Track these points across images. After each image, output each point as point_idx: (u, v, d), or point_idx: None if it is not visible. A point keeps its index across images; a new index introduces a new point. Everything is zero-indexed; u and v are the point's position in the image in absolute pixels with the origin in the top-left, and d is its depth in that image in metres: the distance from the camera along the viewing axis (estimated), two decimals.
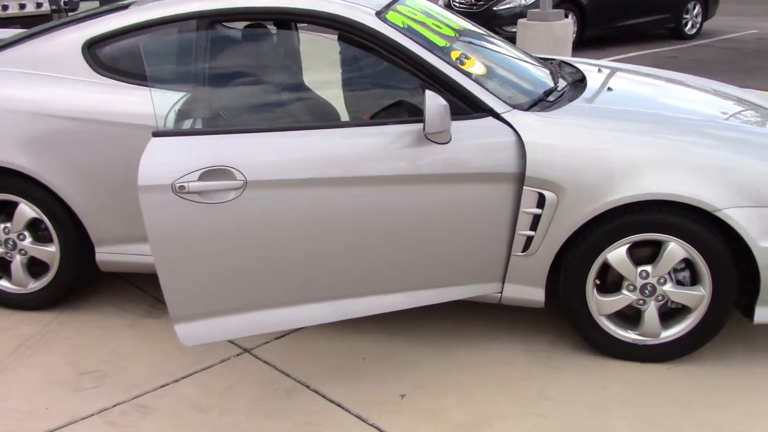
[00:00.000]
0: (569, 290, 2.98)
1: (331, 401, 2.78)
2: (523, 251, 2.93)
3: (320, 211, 2.62)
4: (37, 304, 3.39)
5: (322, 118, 3.15)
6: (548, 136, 2.84)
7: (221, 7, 3.03)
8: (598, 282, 2.97)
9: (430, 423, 2.65)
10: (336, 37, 3.11)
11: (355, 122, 2.74)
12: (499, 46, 3.63)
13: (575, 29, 10.66)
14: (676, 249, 2.84)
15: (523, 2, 10.60)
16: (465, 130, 2.82)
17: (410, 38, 2.95)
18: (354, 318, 3.30)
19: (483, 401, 2.77)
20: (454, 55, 3.06)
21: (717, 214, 2.77)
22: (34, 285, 3.37)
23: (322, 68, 3.16)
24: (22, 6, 7.94)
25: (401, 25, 3.04)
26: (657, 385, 2.87)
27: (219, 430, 2.61)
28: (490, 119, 2.86)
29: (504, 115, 2.87)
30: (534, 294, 3.01)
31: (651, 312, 2.95)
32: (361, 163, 2.65)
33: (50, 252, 3.29)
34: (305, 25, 3.16)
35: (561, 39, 8.82)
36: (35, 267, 3.38)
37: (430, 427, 2.63)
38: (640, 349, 3.01)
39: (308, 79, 3.11)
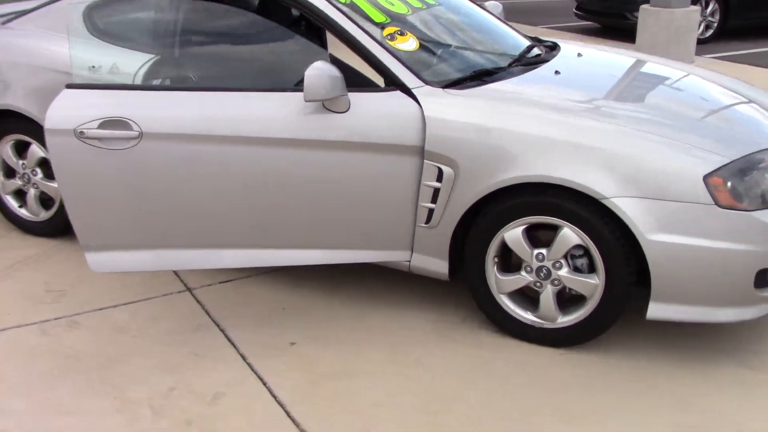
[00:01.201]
0: (471, 266, 3.06)
1: (228, 339, 3.07)
2: (426, 223, 3.05)
3: (219, 166, 2.90)
4: (45, 232, 3.97)
5: (251, 81, 3.34)
6: (451, 112, 2.93)
7: None
8: (497, 260, 3.02)
9: (300, 369, 2.87)
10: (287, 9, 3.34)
11: (261, 87, 2.97)
12: (475, 25, 3.70)
13: (718, 18, 10.01)
14: (569, 234, 2.84)
15: None
16: (370, 101, 2.97)
17: (342, 12, 3.13)
18: (293, 270, 3.57)
19: (362, 358, 2.95)
20: (388, 30, 3.20)
21: (604, 202, 2.74)
22: (44, 215, 3.94)
23: (262, 36, 3.40)
24: None
25: (343, 1, 3.23)
26: (540, 367, 2.89)
27: (122, 348, 3.00)
28: (398, 93, 2.99)
29: (414, 91, 2.99)
30: (438, 266, 3.12)
31: (547, 295, 2.97)
32: (261, 125, 2.89)
33: (53, 187, 3.83)
34: None
35: (683, 28, 8.40)
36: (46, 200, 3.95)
37: (298, 373, 2.85)
38: (536, 331, 3.03)
39: (250, 46, 3.37)
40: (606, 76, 3.48)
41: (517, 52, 3.62)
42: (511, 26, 4.15)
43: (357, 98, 2.97)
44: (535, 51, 3.74)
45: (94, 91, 2.81)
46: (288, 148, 2.93)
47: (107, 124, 2.78)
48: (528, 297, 3.07)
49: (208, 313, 3.27)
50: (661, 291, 2.79)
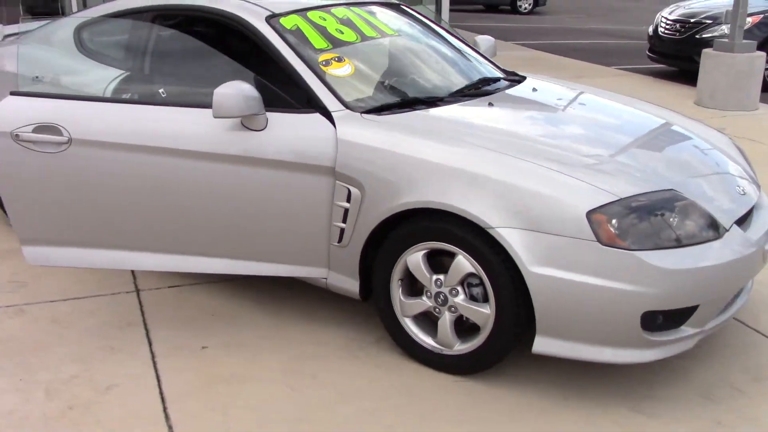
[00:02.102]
0: (378, 287, 3.13)
1: (148, 338, 3.26)
2: (338, 242, 3.14)
3: (141, 174, 3.11)
4: None
5: (186, 97, 3.49)
6: (361, 136, 3.04)
7: (145, 5, 3.65)
8: (401, 283, 3.08)
9: (197, 370, 3.02)
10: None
11: (183, 102, 3.16)
12: (433, 55, 3.80)
13: None
14: (462, 262, 2.88)
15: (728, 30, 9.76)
16: (288, 121, 3.11)
17: (280, 37, 3.30)
18: (239, 281, 3.73)
19: (259, 365, 3.06)
20: (325, 57, 3.35)
21: (490, 231, 2.76)
22: None
23: (214, 57, 3.59)
24: None
25: (289, 27, 3.41)
26: (426, 391, 2.92)
27: (50, 337, 3.23)
28: (316, 115, 3.12)
29: (333, 114, 3.12)
30: (351, 285, 3.20)
31: (444, 322, 3.00)
32: (181, 138, 3.09)
33: None
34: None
35: (744, 73, 8.11)
36: None
37: (193, 373, 3.00)
38: (435, 356, 3.06)
39: (202, 65, 3.58)
40: (537, 109, 3.50)
41: (467, 83, 3.68)
42: (488, 59, 4.21)
43: (276, 118, 3.12)
44: (493, 83, 3.78)
45: (33, 99, 3.09)
46: (206, 162, 3.10)
47: (41, 128, 3.05)
48: (433, 322, 3.11)
49: (142, 314, 3.47)
50: (545, 325, 2.78)
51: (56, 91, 3.18)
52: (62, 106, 3.08)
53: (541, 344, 2.82)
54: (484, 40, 4.44)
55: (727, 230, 2.87)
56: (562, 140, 3.09)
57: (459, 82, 3.70)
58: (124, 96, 3.46)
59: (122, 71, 3.65)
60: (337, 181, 3.06)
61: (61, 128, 3.04)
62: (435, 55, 3.84)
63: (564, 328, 2.76)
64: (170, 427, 2.67)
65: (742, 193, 3.11)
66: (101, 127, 3.06)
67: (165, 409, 2.77)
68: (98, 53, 3.78)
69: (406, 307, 3.08)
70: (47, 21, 4.35)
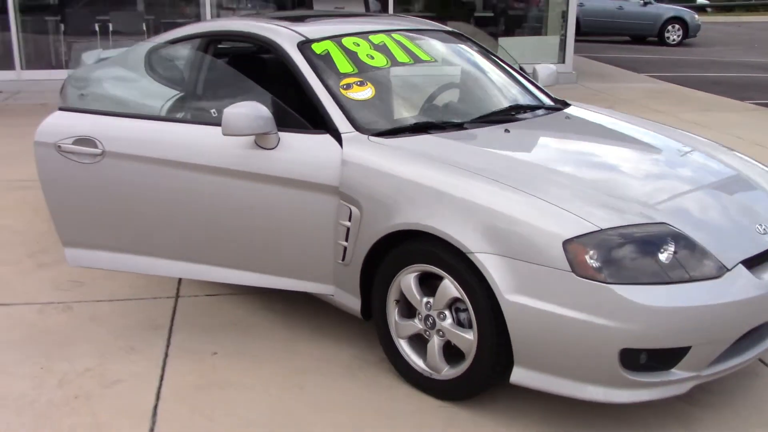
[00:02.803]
0: (375, 307, 3.17)
1: (167, 341, 3.46)
2: (342, 260, 3.22)
3: (165, 186, 3.33)
4: None
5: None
6: (364, 158, 3.11)
7: (199, 31, 3.92)
8: (397, 303, 3.10)
9: (198, 374, 3.17)
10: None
11: (207, 120, 3.35)
12: (468, 81, 3.82)
13: None
14: (448, 286, 2.87)
15: None
16: (298, 141, 3.24)
17: (307, 61, 3.45)
18: (272, 294, 3.88)
19: (255, 375, 3.17)
20: (347, 81, 3.45)
21: (470, 256, 2.75)
22: None
23: (247, 78, 3.76)
24: None
25: (319, 52, 3.55)
26: (408, 413, 2.92)
27: (83, 332, 3.51)
28: (326, 136, 3.23)
29: (343, 135, 3.21)
30: (353, 303, 3.26)
31: (433, 345, 2.99)
32: (199, 154, 3.28)
33: None
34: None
35: None
36: None
37: (194, 377, 3.15)
38: (426, 380, 3.05)
39: (233, 85, 3.77)
40: (552, 138, 3.44)
41: (495, 109, 3.67)
42: (539, 88, 4.17)
43: (288, 138, 3.25)
44: (529, 110, 3.74)
45: (75, 114, 3.40)
46: (221, 177, 3.27)
47: (79, 141, 3.35)
48: (426, 345, 3.10)
49: (172, 318, 3.69)
50: (522, 355, 2.72)
51: (100, 107, 3.48)
52: (98, 121, 3.36)
53: (519, 375, 2.75)
54: (544, 69, 4.40)
55: (728, 269, 2.68)
56: (563, 168, 3.01)
57: (487, 108, 3.69)
58: (167, 114, 3.72)
59: (175, 91, 3.93)
60: (341, 201, 3.15)
61: (96, 141, 3.33)
62: (470, 82, 3.85)
63: (541, 360, 2.69)
64: (153, 426, 2.83)
65: (764, 231, 2.89)
66: (131, 141, 3.32)
67: (156, 407, 2.94)
68: (159, 75, 4.08)
69: (400, 329, 3.10)
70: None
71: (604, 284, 2.54)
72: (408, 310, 3.09)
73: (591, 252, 2.58)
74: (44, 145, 3.37)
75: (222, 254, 3.39)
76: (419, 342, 3.09)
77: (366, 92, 3.44)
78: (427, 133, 3.28)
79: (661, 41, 19.69)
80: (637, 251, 2.61)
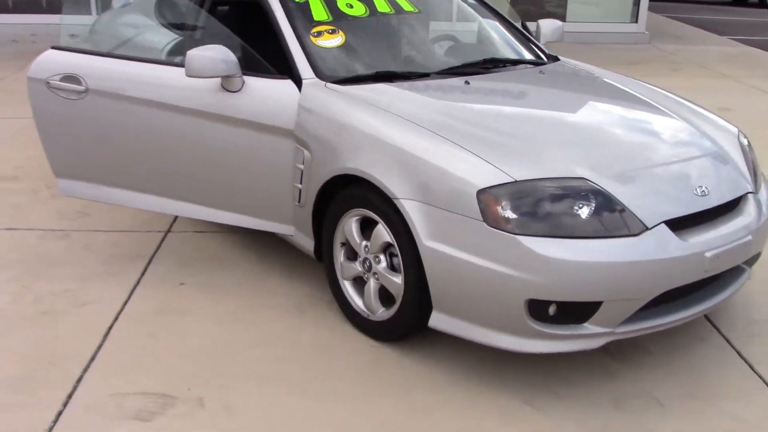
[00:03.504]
0: (325, 248, 3.29)
1: (144, 270, 3.70)
2: (298, 201, 3.36)
3: (139, 123, 3.52)
4: None
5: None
6: (317, 103, 3.22)
7: None
8: (343, 246, 3.22)
9: (159, 300, 3.39)
10: None
11: (178, 63, 3.50)
12: (445, 34, 3.84)
13: None
14: (381, 231, 2.97)
15: None
16: (261, 85, 3.36)
17: (282, 6, 3.55)
18: (257, 234, 4.06)
19: (210, 306, 3.36)
20: (319, 28, 3.54)
21: (396, 202, 2.83)
22: None
23: (227, 23, 3.87)
24: None
25: (298, 0, 3.64)
26: (341, 350, 3.05)
27: (72, 257, 3.79)
28: (288, 81, 3.34)
29: (304, 81, 3.32)
30: (307, 243, 3.40)
31: (369, 287, 3.10)
32: (172, 94, 3.45)
33: None
34: None
35: None
36: None
37: (155, 302, 3.37)
38: (363, 320, 3.17)
39: (214, 30, 3.91)
40: (508, 91, 3.45)
41: (470, 61, 3.69)
42: (534, 43, 4.14)
43: (253, 81, 3.38)
44: (509, 64, 3.75)
45: (66, 53, 3.62)
46: (190, 117, 3.44)
47: (66, 78, 3.58)
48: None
49: (156, 250, 3.93)
50: (440, 301, 2.80)
51: (89, 48, 3.70)
52: (84, 60, 3.58)
53: (437, 320, 2.84)
54: (548, 24, 4.34)
55: (648, 228, 2.67)
56: (502, 121, 3.04)
57: (463, 60, 3.70)
58: (157, 57, 3.91)
59: (173, 36, 4.11)
60: (296, 144, 3.27)
61: (81, 78, 3.55)
62: (449, 33, 3.86)
63: (456, 306, 2.76)
64: (102, 342, 3.07)
65: (701, 194, 2.84)
66: (110, 79, 3.52)
67: (111, 327, 3.18)
68: (163, 20, 4.28)
69: (345, 270, 3.22)
70: None
71: (512, 235, 2.58)
72: (352, 253, 3.20)
73: (503, 203, 2.61)
74: (36, 81, 3.62)
75: (191, 191, 3.58)
76: (361, 284, 3.21)
77: (335, 40, 3.52)
78: (387, 82, 3.34)
79: (762, 4, 18.63)
80: (549, 204, 2.63)
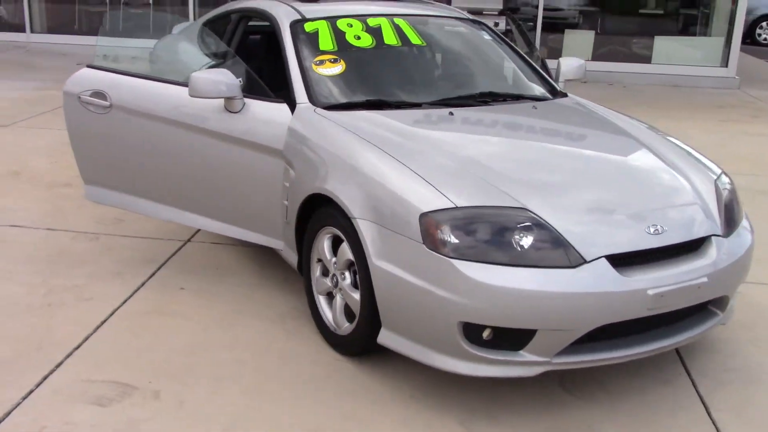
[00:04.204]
0: (304, 263, 3.47)
1: (152, 275, 3.98)
2: (286, 218, 3.56)
3: (154, 137, 3.82)
4: None
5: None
6: (303, 127, 3.42)
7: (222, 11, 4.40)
8: (319, 261, 3.38)
9: (153, 301, 3.65)
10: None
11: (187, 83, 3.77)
12: (451, 66, 3.99)
13: None
14: (345, 248, 3.12)
15: None
16: (259, 108, 3.60)
17: (292, 36, 3.80)
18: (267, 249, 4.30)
19: (199, 310, 3.59)
20: (321, 57, 3.76)
21: (353, 221, 2.98)
22: None
23: (247, 48, 4.12)
24: None
25: (308, 30, 3.89)
26: (305, 362, 3.20)
27: (92, 258, 4.13)
28: (283, 105, 3.57)
29: (297, 106, 3.54)
30: (292, 258, 3.59)
31: (336, 302, 3.25)
32: (180, 112, 3.73)
33: None
34: None
35: None
36: None
37: (149, 303, 3.64)
38: (330, 334, 3.31)
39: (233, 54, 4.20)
40: (484, 124, 3.56)
41: (465, 93, 3.82)
42: (545, 77, 4.21)
43: (253, 104, 3.62)
44: (506, 98, 3.88)
45: (97, 71, 3.98)
46: (196, 134, 3.71)
47: (95, 94, 3.93)
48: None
49: (170, 257, 4.22)
50: (387, 318, 2.92)
51: (119, 68, 4.05)
52: (111, 78, 3.92)
53: (384, 336, 2.95)
54: (568, 62, 4.39)
55: (586, 261, 2.70)
56: (466, 151, 3.15)
57: (458, 92, 3.83)
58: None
59: (207, 60, 4.43)
60: (284, 164, 3.48)
61: (106, 94, 3.89)
62: (454, 66, 3.99)
63: (400, 324, 2.87)
64: (90, 334, 3.34)
65: (654, 232, 2.85)
66: (131, 96, 3.85)
67: (103, 322, 3.46)
68: (202, 45, 4.62)
69: (319, 285, 3.38)
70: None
71: (447, 258, 2.68)
72: (325, 269, 3.37)
73: (442, 227, 2.72)
74: (70, 95, 4.00)
75: (197, 204, 3.84)
76: (332, 299, 3.35)
77: (335, 69, 3.73)
78: (374, 110, 3.51)
79: None
80: (486, 231, 2.72)
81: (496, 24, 9.61)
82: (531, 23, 10.19)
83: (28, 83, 9.19)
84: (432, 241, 2.72)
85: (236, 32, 4.48)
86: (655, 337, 2.92)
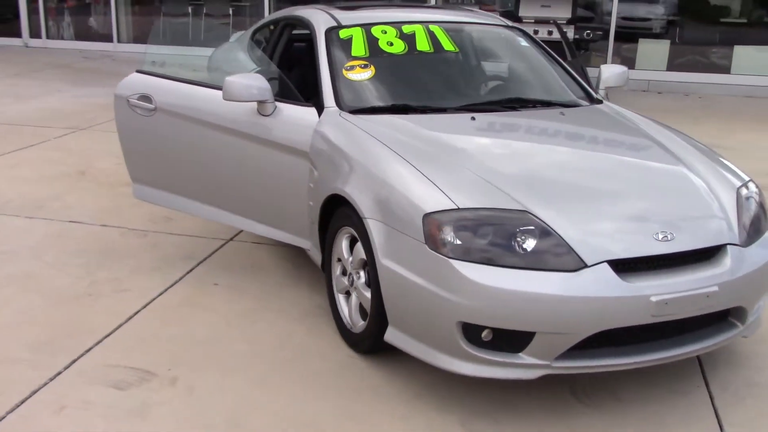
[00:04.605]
0: (327, 262, 3.57)
1: (189, 270, 4.15)
2: (311, 218, 3.66)
3: (193, 138, 3.99)
4: None
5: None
6: (327, 130, 3.52)
7: (269, 19, 4.54)
8: (339, 261, 3.47)
9: (188, 296, 3.82)
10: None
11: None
12: (480, 73, 4.02)
13: None
14: (359, 248, 3.20)
15: None
16: (290, 111, 3.72)
17: (326, 42, 3.92)
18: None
19: (226, 305, 3.73)
20: (352, 63, 3.85)
21: (364, 221, 3.06)
22: None
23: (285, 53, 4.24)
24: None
25: (342, 37, 3.99)
26: (317, 356, 3.29)
27: (136, 253, 4.34)
28: (312, 109, 3.68)
29: (325, 109, 3.65)
30: (317, 256, 3.69)
31: (352, 301, 3.33)
32: (217, 115, 3.89)
33: None
34: None
35: None
36: None
37: (183, 297, 3.80)
38: (346, 331, 3.39)
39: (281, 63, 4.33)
40: (504, 129, 3.58)
41: (495, 99, 3.84)
42: (581, 85, 4.19)
43: (283, 107, 3.75)
44: (536, 104, 3.88)
45: (145, 75, 4.18)
46: (231, 136, 3.86)
47: (142, 97, 4.13)
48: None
49: (210, 255, 4.38)
50: (393, 317, 2.97)
51: (167, 73, 4.24)
52: (156, 82, 4.12)
53: (390, 334, 3.01)
54: (609, 69, 4.34)
55: (587, 265, 2.69)
56: (480, 155, 3.18)
57: (487, 98, 3.85)
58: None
59: (254, 66, 4.60)
60: (309, 165, 3.59)
61: (152, 97, 4.09)
62: (483, 72, 4.01)
63: (405, 323, 2.93)
64: (122, 323, 3.52)
65: (663, 238, 2.80)
66: (173, 99, 4.03)
67: (136, 312, 3.64)
68: (250, 52, 4.80)
69: (338, 283, 3.46)
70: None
71: (447, 258, 2.72)
72: (344, 268, 3.44)
73: (444, 228, 2.76)
74: (120, 98, 4.22)
75: (231, 202, 3.99)
76: (349, 297, 3.43)
77: (365, 74, 3.81)
78: (397, 114, 3.57)
79: None
80: (487, 233, 2.74)
81: (536, 32, 9.57)
82: (600, 32, 10.01)
83: (110, 90, 9.64)
84: (433, 241, 2.76)
85: (280, 39, 4.63)
86: (665, 346, 2.87)
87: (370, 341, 3.19)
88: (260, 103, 3.72)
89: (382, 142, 3.24)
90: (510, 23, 4.51)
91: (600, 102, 4.09)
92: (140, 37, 13.20)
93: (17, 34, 13.40)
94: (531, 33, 4.59)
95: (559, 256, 2.70)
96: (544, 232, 2.74)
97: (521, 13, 9.86)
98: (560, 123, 3.68)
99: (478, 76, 4.07)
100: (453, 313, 2.71)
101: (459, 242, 2.73)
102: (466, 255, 2.71)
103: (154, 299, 3.79)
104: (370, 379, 3.12)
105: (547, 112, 3.78)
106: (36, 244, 4.48)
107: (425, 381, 3.10)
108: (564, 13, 9.82)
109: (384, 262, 2.92)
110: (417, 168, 3.01)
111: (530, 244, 2.72)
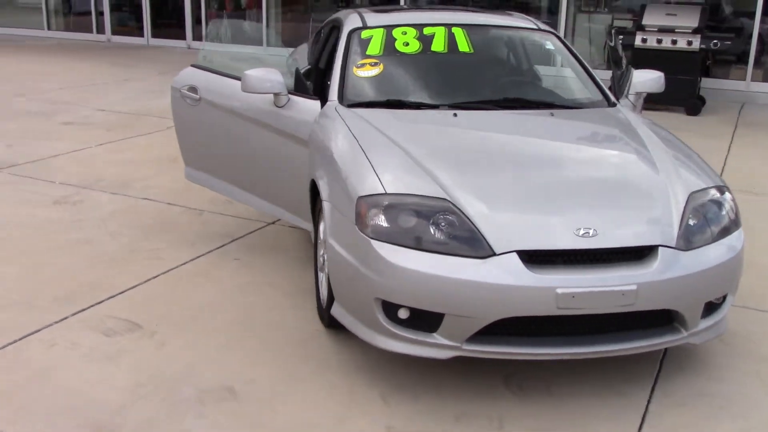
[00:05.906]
0: (314, 243, 3.86)
1: (210, 250, 4.58)
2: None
3: (227, 126, 4.42)
4: None
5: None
6: (324, 119, 3.82)
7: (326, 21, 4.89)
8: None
9: (207, 269, 4.25)
10: None
11: None
12: (491, 72, 4.15)
13: None
14: (322, 227, 3.47)
15: None
16: (299, 104, 4.05)
17: (345, 41, 4.22)
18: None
19: (238, 282, 4.12)
20: (364, 60, 4.12)
21: (323, 203, 3.33)
22: None
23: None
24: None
25: (363, 37, 4.28)
26: (289, 328, 3.59)
27: (165, 235, 4.85)
28: (317, 102, 3.99)
29: (328, 102, 3.95)
30: (313, 238, 3.99)
31: (321, 277, 3.60)
32: (243, 105, 4.29)
33: None
34: None
35: None
36: None
37: (202, 268, 4.24)
38: (320, 307, 3.65)
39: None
40: (476, 126, 3.68)
41: (495, 98, 3.97)
42: (600, 87, 4.20)
43: (295, 100, 4.08)
44: (537, 105, 3.98)
45: (196, 69, 4.66)
46: (253, 125, 4.25)
47: (191, 89, 4.62)
48: None
49: (245, 235, 4.80)
50: (336, 292, 3.22)
51: (216, 68, 4.70)
52: (203, 75, 4.58)
53: (335, 309, 3.25)
54: (641, 74, 4.31)
55: (495, 254, 2.80)
56: (432, 144, 3.36)
57: (481, 96, 3.99)
58: None
59: (303, 65, 4.99)
60: (308, 152, 3.90)
61: (197, 89, 4.57)
62: (491, 72, 4.13)
63: (343, 298, 3.17)
64: (138, 284, 4.00)
65: (584, 234, 2.85)
66: (212, 91, 4.49)
67: (155, 277, 4.12)
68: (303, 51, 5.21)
69: (319, 262, 3.74)
70: None
71: (368, 238, 2.93)
72: None
73: (371, 210, 2.97)
74: (175, 89, 4.74)
75: (254, 185, 4.38)
76: None
77: (372, 71, 4.07)
78: (387, 108, 3.80)
79: None
80: (406, 217, 2.91)
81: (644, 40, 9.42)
82: (728, 42, 9.46)
83: None
84: (361, 222, 2.97)
85: (328, 40, 4.96)
86: (583, 342, 2.90)
87: (328, 316, 3.44)
88: (275, 95, 4.07)
89: (351, 132, 3.49)
90: (542, 26, 4.56)
91: (614, 105, 4.07)
92: (288, 42, 14.10)
93: (182, 37, 14.74)
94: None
95: (470, 244, 2.83)
96: (459, 219, 2.87)
97: (645, 21, 9.60)
98: (540, 121, 3.73)
99: (483, 77, 4.18)
100: (372, 290, 2.92)
101: (380, 224, 2.93)
102: (387, 236, 2.90)
103: (175, 267, 4.25)
104: (324, 350, 3.37)
105: (534, 112, 3.84)
106: (107, 216, 5.11)
107: (372, 356, 3.31)
108: (690, 22, 9.45)
109: (330, 241, 3.17)
110: (366, 155, 3.23)
111: (445, 230, 2.87)
